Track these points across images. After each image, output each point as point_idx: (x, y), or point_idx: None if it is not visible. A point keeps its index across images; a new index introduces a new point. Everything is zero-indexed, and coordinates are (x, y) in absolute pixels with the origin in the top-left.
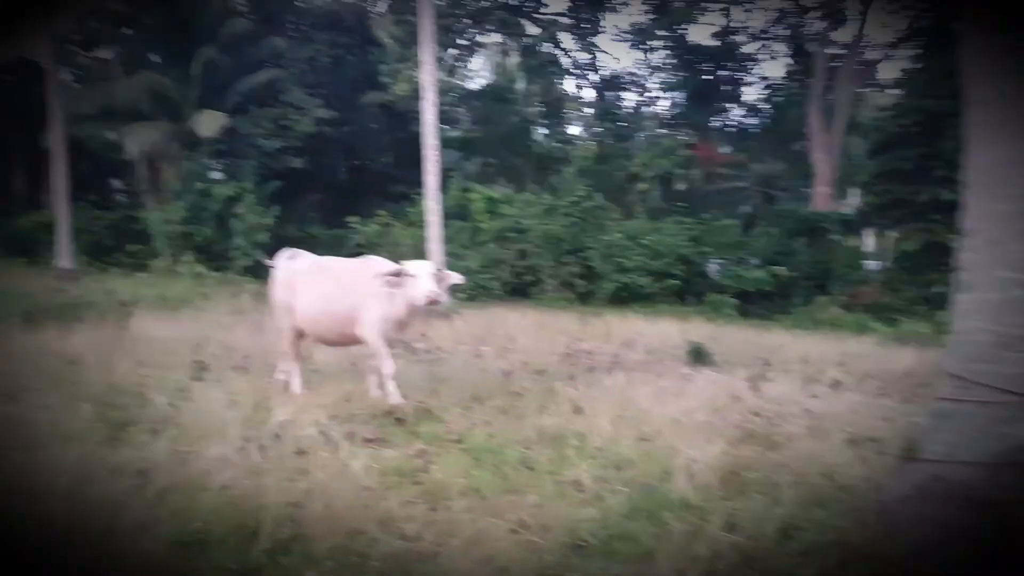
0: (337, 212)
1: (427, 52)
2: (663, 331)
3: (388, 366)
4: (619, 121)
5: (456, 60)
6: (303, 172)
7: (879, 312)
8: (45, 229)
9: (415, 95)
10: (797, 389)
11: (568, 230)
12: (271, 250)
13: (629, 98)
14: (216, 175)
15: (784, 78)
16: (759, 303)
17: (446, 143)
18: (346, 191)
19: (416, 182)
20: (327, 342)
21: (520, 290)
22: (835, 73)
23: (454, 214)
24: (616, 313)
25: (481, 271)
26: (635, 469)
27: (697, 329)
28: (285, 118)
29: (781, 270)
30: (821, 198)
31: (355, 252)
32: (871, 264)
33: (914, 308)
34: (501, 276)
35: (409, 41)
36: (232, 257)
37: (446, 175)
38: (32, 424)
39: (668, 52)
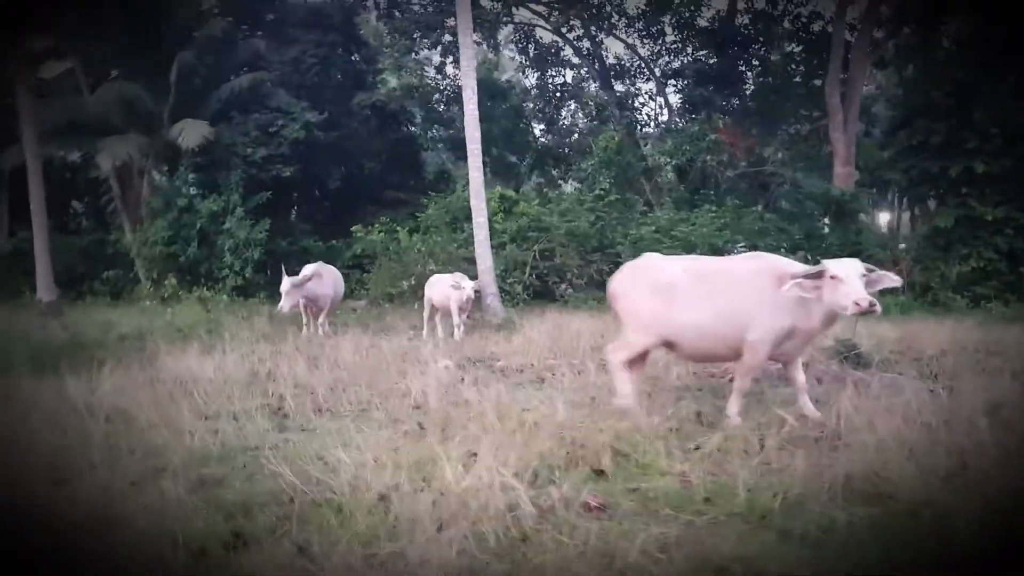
0: (330, 223)
1: (466, 39)
2: None
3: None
4: (634, 109)
5: (445, 55)
6: (292, 181)
7: (915, 291)
8: (12, 258)
9: (408, 93)
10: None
11: (594, 226)
12: (264, 267)
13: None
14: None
15: (799, 56)
16: None
17: (438, 144)
18: (339, 200)
19: (412, 187)
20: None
21: (544, 293)
22: (850, 50)
23: (463, 216)
24: None
25: (503, 275)
26: None
27: None
28: (272, 124)
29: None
30: (842, 178)
31: (354, 264)
32: (901, 243)
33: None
34: (523, 279)
35: (398, 38)
36: (221, 277)
37: (439, 178)
38: (110, 526)
39: (677, 36)
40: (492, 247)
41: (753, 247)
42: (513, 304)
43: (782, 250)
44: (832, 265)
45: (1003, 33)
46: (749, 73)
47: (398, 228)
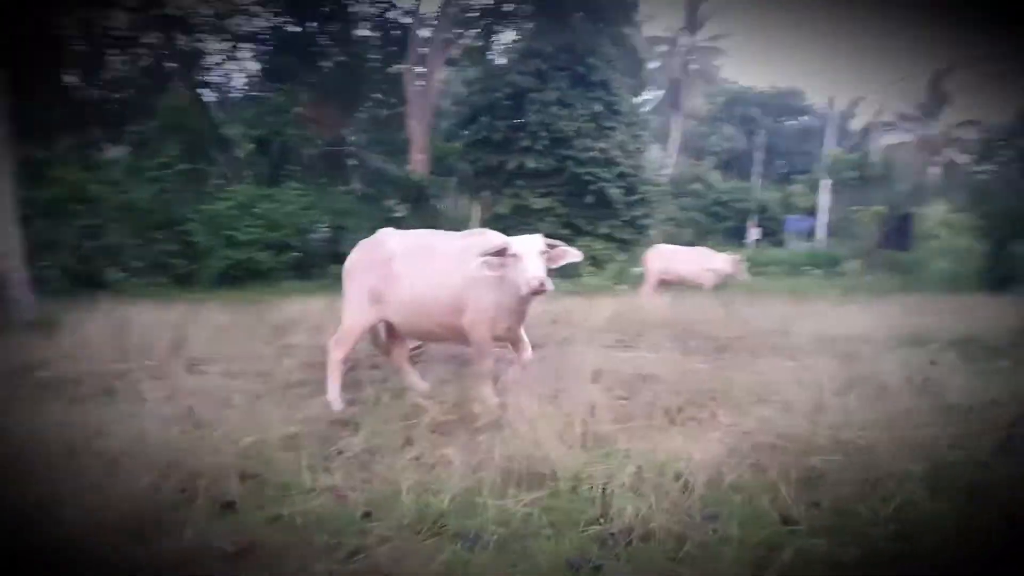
0: None
1: None
2: None
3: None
4: (204, 69)
5: None
6: None
7: None
8: None
9: None
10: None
11: (157, 199)
12: None
13: (210, 45)
14: None
15: (377, 41)
16: None
17: None
18: None
19: None
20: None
21: (90, 279)
22: (428, 44)
23: None
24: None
25: (31, 257)
26: None
27: None
28: None
29: None
30: (418, 164)
31: None
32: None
33: None
34: (62, 262)
35: None
36: None
37: None
38: None
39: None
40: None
41: (339, 228)
42: (49, 296)
43: (363, 232)
44: (514, 242)
45: (554, 45)
46: (334, 49)
47: None
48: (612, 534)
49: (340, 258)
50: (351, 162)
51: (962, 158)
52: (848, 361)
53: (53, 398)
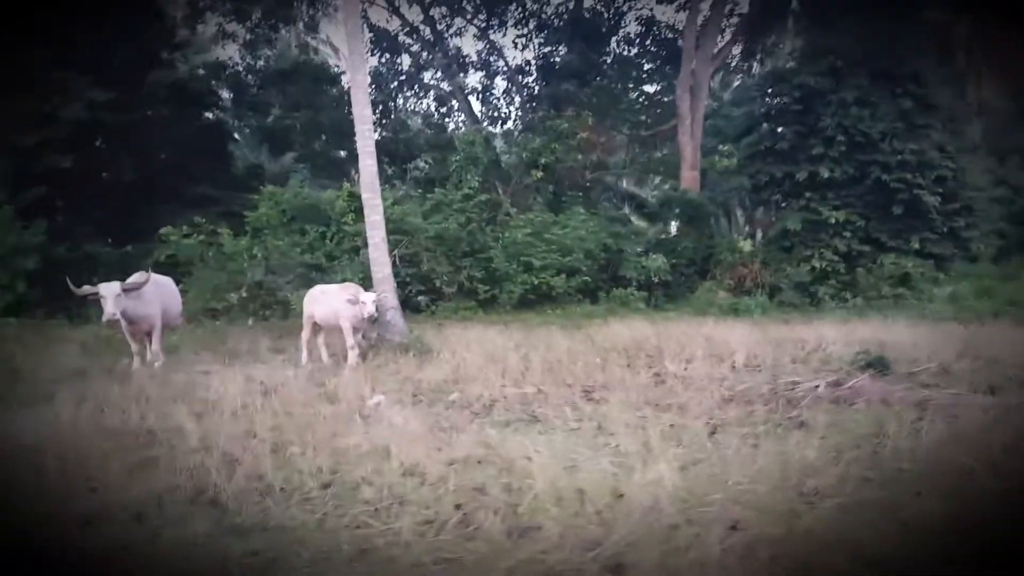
0: (119, 223)
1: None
2: (679, 334)
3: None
4: (490, 103)
5: (252, 33)
6: (73, 174)
7: (761, 292)
8: None
9: (214, 74)
10: None
11: (464, 228)
12: (43, 279)
13: (489, 81)
14: None
15: (650, 60)
16: (658, 293)
17: (251, 132)
18: (130, 196)
19: (221, 182)
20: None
21: (404, 304)
22: (699, 54)
23: (305, 216)
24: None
25: (359, 282)
26: None
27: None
28: (46, 103)
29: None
30: (688, 181)
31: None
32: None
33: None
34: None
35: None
36: None
37: (250, 173)
38: None
39: (523, 29)
40: (346, 252)
41: (617, 252)
42: None
43: (637, 251)
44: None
45: (848, 41)
46: (607, 71)
47: (219, 230)
48: None
49: (620, 281)
50: (622, 185)
51: None
52: None
53: (472, 421)
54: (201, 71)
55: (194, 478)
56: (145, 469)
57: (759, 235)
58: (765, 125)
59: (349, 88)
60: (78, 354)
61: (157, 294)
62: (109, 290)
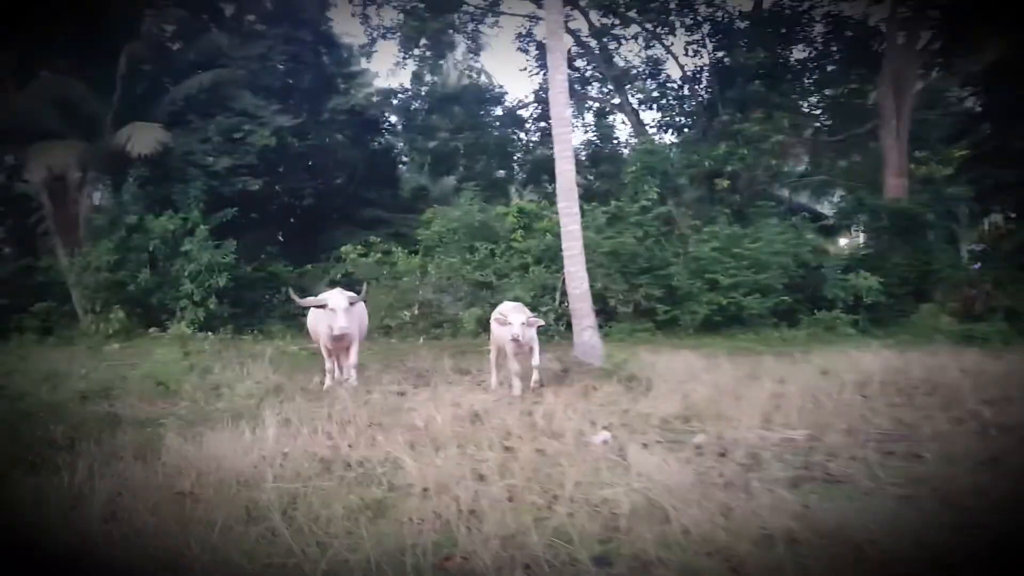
0: (298, 244)
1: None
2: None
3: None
4: (667, 110)
5: (422, 60)
6: (260, 196)
7: (997, 318)
8: None
9: (386, 99)
10: None
11: (641, 243)
12: (231, 297)
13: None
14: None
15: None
16: (867, 317)
17: (419, 155)
18: (309, 218)
19: (390, 204)
20: None
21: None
22: (903, 50)
23: (474, 233)
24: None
25: (530, 300)
26: None
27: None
28: (237, 129)
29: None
30: (894, 189)
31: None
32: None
33: None
34: (555, 307)
35: (372, 39)
36: (180, 309)
37: (416, 196)
38: None
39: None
40: (516, 269)
41: (816, 268)
42: (547, 337)
43: (839, 269)
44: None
45: None
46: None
47: (393, 249)
48: None
49: (821, 303)
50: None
51: None
52: None
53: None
54: (375, 98)
55: (435, 532)
56: (372, 515)
57: (974, 249)
58: (982, 126)
59: (515, 104)
60: (270, 370)
61: (356, 310)
62: (340, 302)
